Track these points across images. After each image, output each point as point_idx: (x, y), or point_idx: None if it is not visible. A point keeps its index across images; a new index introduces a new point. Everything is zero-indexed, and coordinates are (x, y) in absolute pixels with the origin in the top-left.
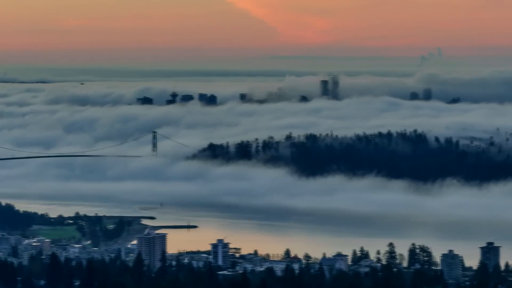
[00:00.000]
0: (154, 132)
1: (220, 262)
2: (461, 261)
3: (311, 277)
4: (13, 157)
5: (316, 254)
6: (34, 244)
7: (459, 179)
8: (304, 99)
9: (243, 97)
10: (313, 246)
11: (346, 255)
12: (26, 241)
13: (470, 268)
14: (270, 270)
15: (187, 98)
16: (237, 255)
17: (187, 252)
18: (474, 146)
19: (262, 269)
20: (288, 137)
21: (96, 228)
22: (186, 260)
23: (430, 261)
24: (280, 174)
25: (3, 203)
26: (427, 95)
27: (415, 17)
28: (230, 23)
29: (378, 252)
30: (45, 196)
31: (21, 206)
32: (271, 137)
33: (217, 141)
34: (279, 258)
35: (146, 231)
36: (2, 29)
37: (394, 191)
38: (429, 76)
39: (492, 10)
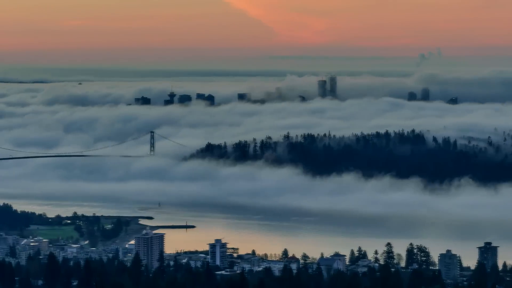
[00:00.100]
0: (152, 132)
1: (218, 262)
2: (459, 261)
3: (309, 277)
4: (11, 157)
5: (314, 254)
6: (32, 244)
7: (468, 179)
8: (302, 99)
9: (241, 97)
10: (311, 246)
11: (344, 255)
12: (24, 241)
13: (468, 268)
14: (268, 270)
15: (185, 98)
16: (235, 255)
17: (185, 252)
18: (472, 146)
19: (260, 269)
20: (286, 137)
21: (94, 228)
22: (184, 260)
23: (428, 261)
24: (285, 174)
25: (1, 203)
26: (425, 95)
27: (413, 18)
28: (228, 23)
29: (376, 252)
30: (43, 196)
31: (19, 206)
32: (269, 137)
33: (215, 141)
34: (277, 258)
35: (144, 231)
36: (0, 29)
37: (398, 191)
38: (428, 76)
39: (490, 11)
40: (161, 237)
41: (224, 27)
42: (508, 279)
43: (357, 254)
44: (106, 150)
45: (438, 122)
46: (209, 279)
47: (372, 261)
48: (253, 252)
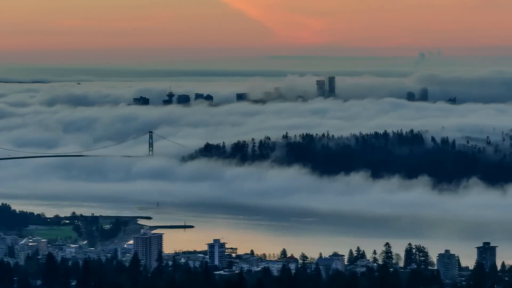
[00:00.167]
0: (151, 132)
1: (216, 262)
2: (458, 261)
3: (307, 277)
4: (9, 157)
5: (313, 254)
6: (30, 244)
7: (475, 179)
8: (301, 99)
9: (240, 97)
10: (309, 246)
11: (343, 255)
12: (23, 241)
13: (466, 268)
14: (266, 270)
15: (184, 98)
16: (234, 255)
17: (184, 252)
18: (471, 146)
19: (258, 269)
20: (285, 137)
21: (92, 228)
22: (182, 260)
23: (426, 261)
24: (290, 174)
25: (0, 203)
26: (424, 96)
27: (412, 18)
28: (226, 23)
29: (375, 252)
30: (42, 196)
31: (17, 206)
32: (268, 138)
33: (214, 141)
34: (276, 258)
35: (142, 231)
36: None
37: (405, 191)
38: (427, 76)
39: (489, 11)
40: (159, 237)
41: (222, 28)
42: (506, 279)
43: (355, 254)
44: (105, 150)
45: (437, 122)
46: (208, 279)
47: (370, 261)
48: (252, 252)
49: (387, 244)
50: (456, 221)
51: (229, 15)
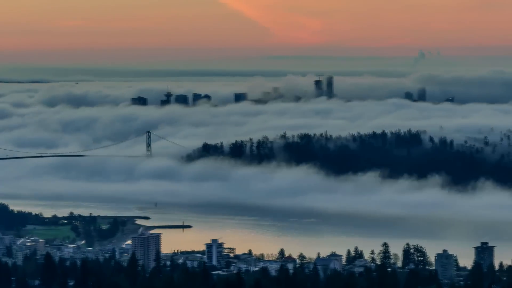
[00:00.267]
0: (149, 132)
1: (214, 262)
2: (455, 261)
3: (305, 277)
4: (7, 157)
5: (311, 254)
6: (28, 244)
7: (485, 180)
8: (299, 99)
9: (238, 97)
10: (307, 246)
11: (341, 255)
12: (21, 241)
13: (464, 268)
14: (264, 270)
15: (182, 98)
16: (232, 255)
17: (182, 252)
18: (468, 146)
19: (256, 269)
20: (283, 137)
21: (90, 228)
22: (180, 260)
23: (424, 261)
24: (299, 174)
25: None
26: (422, 96)
27: (410, 18)
28: (224, 24)
29: (373, 252)
30: (40, 196)
31: (15, 206)
32: (266, 137)
33: (213, 141)
34: (274, 258)
35: (140, 231)
36: None
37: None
38: (426, 76)
39: (487, 11)
40: (157, 237)
41: (221, 28)
42: (504, 279)
43: (353, 254)
44: (104, 150)
45: (436, 122)
46: (206, 279)
47: (368, 261)
48: (250, 252)
49: (385, 244)
50: (469, 222)
51: (228, 15)
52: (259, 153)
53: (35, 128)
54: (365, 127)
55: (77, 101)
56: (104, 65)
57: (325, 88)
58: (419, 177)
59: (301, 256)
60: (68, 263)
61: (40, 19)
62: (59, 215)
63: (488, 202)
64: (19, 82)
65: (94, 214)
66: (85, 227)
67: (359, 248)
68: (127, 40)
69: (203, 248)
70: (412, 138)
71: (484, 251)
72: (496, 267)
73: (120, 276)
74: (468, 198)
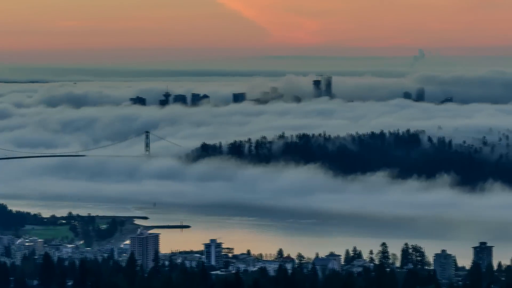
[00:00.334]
0: (147, 132)
1: (213, 262)
2: (454, 261)
3: (304, 277)
4: (6, 157)
5: (309, 254)
6: (27, 244)
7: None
8: (298, 99)
9: (237, 97)
10: (306, 246)
11: (339, 255)
12: (19, 241)
13: (463, 268)
14: (263, 270)
15: (180, 98)
16: (230, 255)
17: (180, 252)
18: (467, 146)
19: (255, 269)
20: (281, 137)
21: (89, 228)
22: (179, 260)
23: (423, 261)
24: (307, 174)
25: None
26: (421, 96)
27: (408, 18)
28: (222, 24)
29: (371, 252)
30: (39, 196)
31: (14, 206)
32: (264, 137)
33: (211, 141)
34: (272, 258)
35: (139, 231)
36: None
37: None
38: (424, 76)
39: (484, 11)
40: (156, 237)
41: (218, 28)
42: (503, 279)
43: (352, 254)
44: (103, 151)
45: (434, 122)
46: (204, 279)
47: (367, 261)
48: (248, 252)
49: (383, 244)
50: (478, 222)
51: (225, 15)
52: (257, 153)
53: (34, 128)
54: (366, 127)
55: (77, 101)
56: (103, 65)
57: (323, 88)
58: (419, 177)
59: (300, 256)
60: (66, 263)
61: (39, 19)
62: (58, 215)
63: (497, 202)
64: (17, 82)
65: (93, 214)
66: (84, 227)
67: (358, 248)
68: (126, 40)
69: (202, 248)
70: (411, 138)
71: (482, 251)
72: (495, 267)
73: (119, 276)
74: (477, 198)
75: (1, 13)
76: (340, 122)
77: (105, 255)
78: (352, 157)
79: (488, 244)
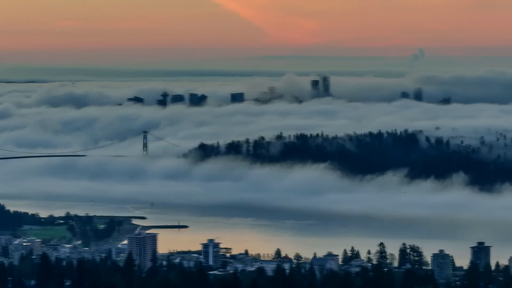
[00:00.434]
0: (145, 132)
1: (211, 262)
2: (452, 261)
3: (302, 277)
4: (5, 157)
5: (307, 254)
6: (24, 244)
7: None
8: (297, 99)
9: (235, 97)
10: (304, 246)
11: (337, 255)
12: (17, 241)
13: (460, 268)
14: (260, 270)
15: (178, 98)
16: (228, 255)
17: (178, 252)
18: (465, 146)
19: (252, 269)
20: (279, 137)
21: (86, 228)
22: (177, 260)
23: (420, 261)
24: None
25: None
26: (418, 95)
27: (406, 18)
28: (220, 24)
29: (369, 252)
30: (37, 196)
31: (12, 206)
32: (262, 137)
33: (209, 141)
34: (270, 258)
35: (136, 231)
36: None
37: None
38: (423, 76)
39: (482, 12)
40: (154, 237)
41: (216, 28)
42: (501, 279)
43: (350, 254)
44: (101, 151)
45: (432, 122)
46: (202, 279)
47: (365, 261)
48: (246, 252)
49: (381, 244)
50: (493, 223)
51: (223, 15)
52: (255, 153)
53: (32, 128)
54: (368, 128)
55: (77, 101)
56: (98, 65)
57: (321, 88)
58: (428, 178)
59: (298, 256)
60: (64, 263)
61: (38, 19)
62: (56, 215)
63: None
64: (16, 82)
65: (91, 214)
66: (82, 227)
67: (355, 248)
68: (123, 40)
69: (200, 248)
70: (409, 139)
71: (480, 251)
72: (493, 267)
73: (117, 276)
74: (490, 199)
75: (0, 13)
76: (340, 122)
77: (103, 255)
78: (352, 158)
79: (486, 244)
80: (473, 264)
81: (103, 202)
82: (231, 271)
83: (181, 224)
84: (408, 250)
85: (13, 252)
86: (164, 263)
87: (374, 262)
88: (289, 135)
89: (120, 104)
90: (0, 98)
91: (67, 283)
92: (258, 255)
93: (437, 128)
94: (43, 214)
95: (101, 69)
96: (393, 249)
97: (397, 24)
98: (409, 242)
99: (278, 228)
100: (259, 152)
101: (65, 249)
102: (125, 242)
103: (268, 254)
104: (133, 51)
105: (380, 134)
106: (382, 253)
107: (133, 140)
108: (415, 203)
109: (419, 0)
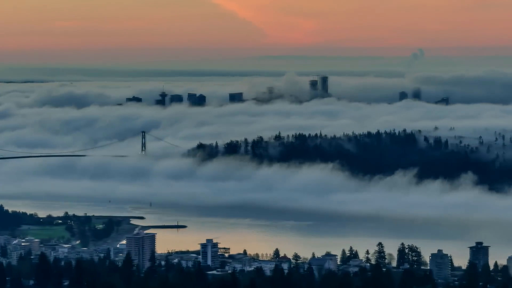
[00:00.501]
0: (143, 132)
1: (209, 262)
2: (450, 261)
3: (300, 277)
4: (5, 157)
5: (306, 254)
6: (23, 244)
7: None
8: (297, 99)
9: (233, 97)
10: (302, 246)
11: (335, 255)
12: (15, 241)
13: (459, 268)
14: (259, 270)
15: (176, 98)
16: (226, 255)
17: (176, 252)
18: (464, 146)
19: (251, 269)
20: (277, 137)
21: (85, 228)
22: (175, 260)
23: (419, 261)
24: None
25: None
26: (417, 95)
27: (405, 19)
28: (218, 24)
29: (367, 252)
30: (36, 196)
31: (10, 206)
32: (260, 137)
33: (208, 141)
34: (268, 258)
35: (135, 231)
36: None
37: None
38: (422, 76)
39: (481, 12)
40: (152, 237)
41: (215, 29)
42: (499, 279)
43: (348, 254)
44: (100, 151)
45: (431, 122)
46: (201, 279)
47: (363, 261)
48: (245, 252)
49: (379, 244)
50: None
51: (221, 16)
52: (254, 153)
53: (34, 128)
54: (369, 128)
55: (77, 101)
56: (97, 65)
57: (320, 88)
58: (436, 178)
59: (296, 256)
60: (62, 263)
61: (37, 19)
62: (54, 215)
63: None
64: (14, 82)
65: (89, 214)
66: (80, 227)
67: (354, 248)
68: (122, 40)
69: (198, 248)
70: (408, 138)
71: (479, 251)
72: (491, 267)
73: (115, 276)
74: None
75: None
76: (341, 122)
77: (102, 255)
78: (354, 158)
79: (485, 244)
80: (471, 264)
81: (103, 202)
82: (230, 271)
83: (179, 224)
84: (406, 250)
85: (12, 252)
86: (163, 263)
87: (373, 262)
88: (288, 135)
89: (120, 104)
90: (0, 98)
91: (66, 283)
92: (257, 255)
93: (436, 128)
94: (42, 214)
95: (101, 69)
96: (391, 249)
97: (397, 24)
98: (408, 242)
99: (278, 228)
100: (257, 152)
101: (64, 249)
102: (124, 242)
103: (266, 254)
104: (132, 51)
105: (387, 133)
106: (380, 253)
107: (133, 140)
108: (425, 203)
109: (418, 0)
